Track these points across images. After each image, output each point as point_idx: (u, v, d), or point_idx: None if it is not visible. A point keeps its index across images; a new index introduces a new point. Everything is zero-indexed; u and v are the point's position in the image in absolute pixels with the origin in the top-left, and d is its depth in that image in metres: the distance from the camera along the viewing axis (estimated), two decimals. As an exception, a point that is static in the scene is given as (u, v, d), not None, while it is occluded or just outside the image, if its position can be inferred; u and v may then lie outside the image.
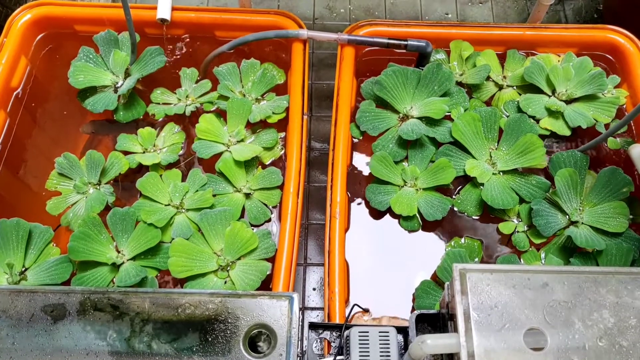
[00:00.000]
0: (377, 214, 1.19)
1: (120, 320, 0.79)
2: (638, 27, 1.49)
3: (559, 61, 1.34)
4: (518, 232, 1.16)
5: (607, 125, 1.27)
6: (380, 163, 1.19)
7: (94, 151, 1.20)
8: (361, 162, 1.27)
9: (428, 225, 1.18)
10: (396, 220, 1.19)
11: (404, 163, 1.23)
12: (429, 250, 1.16)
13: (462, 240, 1.16)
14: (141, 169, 1.22)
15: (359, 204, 1.22)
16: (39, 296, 0.80)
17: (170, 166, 1.23)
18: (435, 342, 0.73)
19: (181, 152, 1.25)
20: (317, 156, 1.58)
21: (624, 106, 1.31)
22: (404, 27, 1.35)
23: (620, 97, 1.30)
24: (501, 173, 1.20)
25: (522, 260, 1.13)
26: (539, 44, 1.37)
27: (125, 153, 1.23)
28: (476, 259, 1.13)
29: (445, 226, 1.19)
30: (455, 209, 1.19)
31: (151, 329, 0.78)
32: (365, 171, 1.26)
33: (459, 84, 1.32)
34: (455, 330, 0.74)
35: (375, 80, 1.26)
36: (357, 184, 1.24)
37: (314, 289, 1.41)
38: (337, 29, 1.86)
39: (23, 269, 1.08)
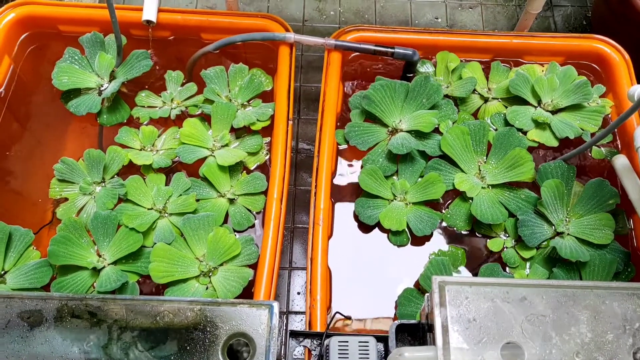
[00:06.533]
0: (363, 224, 1.18)
1: (97, 328, 0.78)
2: (625, 35, 1.50)
3: (542, 71, 1.34)
4: (507, 248, 1.15)
5: (593, 134, 1.27)
6: (370, 177, 1.18)
7: (92, 149, 1.19)
8: (346, 168, 1.27)
9: (417, 240, 1.17)
10: (381, 231, 1.18)
11: (394, 177, 1.21)
12: (414, 259, 1.15)
13: (446, 248, 1.16)
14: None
15: (344, 211, 1.21)
16: (16, 302, 0.79)
17: (161, 171, 1.21)
18: (413, 354, 0.73)
19: (176, 157, 1.21)
20: (303, 159, 1.57)
21: (609, 115, 1.31)
22: (391, 33, 1.34)
23: (605, 106, 1.30)
24: (490, 187, 1.19)
25: (508, 270, 1.13)
26: (526, 52, 1.37)
27: (122, 147, 1.22)
28: (460, 267, 1.13)
29: (434, 241, 1.18)
30: (444, 224, 1.19)
31: (129, 337, 0.78)
32: (351, 178, 1.25)
33: (446, 96, 1.31)
34: (434, 342, 0.74)
35: (363, 94, 1.25)
36: (341, 190, 1.24)
37: (299, 293, 1.41)
38: (327, 31, 1.85)
39: (2, 272, 1.06)
